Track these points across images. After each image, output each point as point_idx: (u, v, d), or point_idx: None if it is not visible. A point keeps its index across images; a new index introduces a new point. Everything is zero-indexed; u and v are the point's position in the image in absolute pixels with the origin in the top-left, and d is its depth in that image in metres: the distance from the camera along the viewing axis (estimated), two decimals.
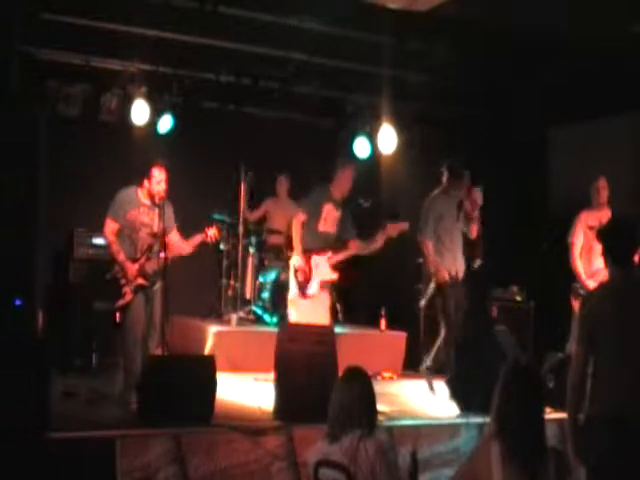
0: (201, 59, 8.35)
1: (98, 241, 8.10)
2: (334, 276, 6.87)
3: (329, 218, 6.87)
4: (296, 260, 6.81)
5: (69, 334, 7.82)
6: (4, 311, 5.34)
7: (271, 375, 5.94)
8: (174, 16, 7.34)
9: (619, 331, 3.82)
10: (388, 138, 9.25)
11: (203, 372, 5.58)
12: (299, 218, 6.87)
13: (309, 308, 6.78)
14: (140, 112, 8.44)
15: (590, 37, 7.25)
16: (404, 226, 6.72)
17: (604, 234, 4.13)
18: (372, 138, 9.47)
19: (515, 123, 8.90)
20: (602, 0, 6.71)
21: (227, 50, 8.08)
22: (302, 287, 6.79)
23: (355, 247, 6.89)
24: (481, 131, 9.38)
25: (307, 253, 6.81)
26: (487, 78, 8.55)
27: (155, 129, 8.69)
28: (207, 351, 7.76)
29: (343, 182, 6.90)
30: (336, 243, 6.91)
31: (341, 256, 6.88)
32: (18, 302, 5.84)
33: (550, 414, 4.93)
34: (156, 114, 8.62)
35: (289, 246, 9.15)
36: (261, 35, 7.74)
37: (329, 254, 6.84)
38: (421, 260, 7.18)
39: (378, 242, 6.71)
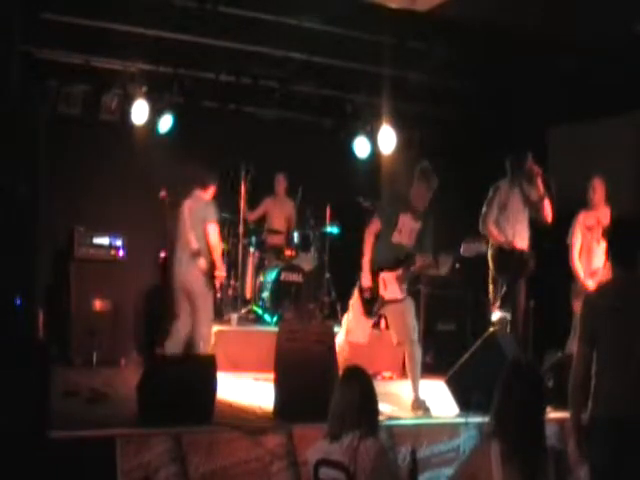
0: (201, 59, 8.35)
1: (98, 240, 8.11)
2: (401, 296, 6.23)
3: (405, 229, 6.21)
4: (364, 280, 6.24)
5: (69, 334, 7.82)
6: (4, 311, 5.35)
7: (271, 375, 5.94)
8: (174, 16, 7.34)
9: (621, 330, 3.82)
10: (388, 138, 9.26)
11: (203, 372, 5.58)
12: (372, 228, 6.24)
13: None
14: (140, 112, 8.44)
15: (590, 37, 7.25)
16: (480, 249, 6.12)
17: (608, 234, 4.13)
18: (372, 138, 9.47)
19: (515, 123, 8.90)
20: (603, 0, 6.71)
21: (227, 50, 8.08)
22: (368, 305, 6.25)
23: (420, 263, 6.17)
24: (481, 131, 9.38)
25: (377, 270, 6.22)
26: (487, 78, 8.55)
27: (155, 129, 8.70)
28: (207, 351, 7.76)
29: (418, 196, 6.24)
30: (410, 257, 6.20)
31: (407, 273, 6.21)
32: (18, 302, 5.85)
33: (550, 414, 4.94)
34: (156, 114, 8.63)
35: (289, 245, 9.17)
36: (261, 35, 7.74)
37: (399, 271, 6.19)
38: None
39: (444, 266, 6.08)
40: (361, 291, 6.30)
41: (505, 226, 7.04)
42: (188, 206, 7.17)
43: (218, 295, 7.53)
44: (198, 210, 7.12)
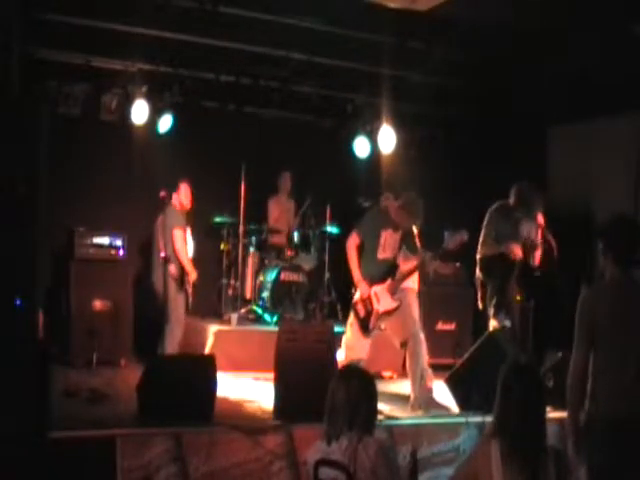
0: (201, 59, 8.35)
1: (98, 240, 8.10)
2: (395, 305, 6.31)
3: (387, 244, 6.32)
4: (362, 291, 6.32)
5: (69, 334, 7.81)
6: (4, 311, 5.34)
7: (271, 375, 5.94)
8: (174, 16, 7.34)
9: (618, 330, 3.82)
10: (388, 138, 9.26)
11: (203, 372, 5.58)
12: (352, 242, 6.34)
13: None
14: (140, 112, 8.44)
15: (590, 37, 7.25)
16: (463, 237, 6.18)
17: (605, 233, 4.12)
18: (372, 138, 9.48)
19: (515, 123, 8.90)
20: (603, 0, 6.70)
21: (227, 50, 8.08)
22: (364, 323, 6.31)
23: (406, 267, 6.37)
24: (481, 131, 9.38)
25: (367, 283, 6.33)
26: (487, 78, 8.55)
27: (155, 129, 8.70)
28: (207, 351, 7.76)
29: (399, 219, 6.34)
30: (394, 268, 6.35)
31: (397, 282, 6.34)
32: (18, 302, 5.83)
33: (550, 413, 4.94)
34: (156, 114, 8.63)
35: (289, 245, 9.17)
36: (261, 35, 7.74)
37: (388, 281, 6.30)
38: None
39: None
40: (356, 311, 6.37)
41: (514, 237, 7.06)
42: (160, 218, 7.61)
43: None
44: (165, 218, 7.52)
